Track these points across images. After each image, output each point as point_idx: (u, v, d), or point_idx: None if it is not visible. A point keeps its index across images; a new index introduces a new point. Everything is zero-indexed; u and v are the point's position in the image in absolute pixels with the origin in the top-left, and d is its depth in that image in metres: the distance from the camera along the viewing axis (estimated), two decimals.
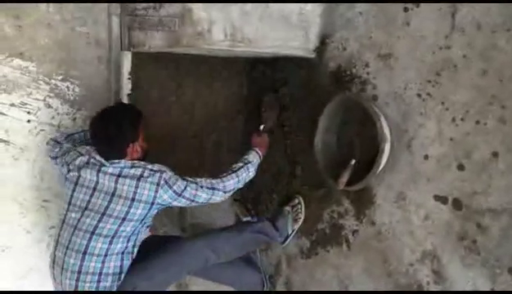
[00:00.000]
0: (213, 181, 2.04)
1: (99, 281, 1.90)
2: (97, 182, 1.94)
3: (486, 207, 1.68)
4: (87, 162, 1.99)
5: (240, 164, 2.14)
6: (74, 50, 2.31)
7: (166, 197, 1.93)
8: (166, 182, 1.92)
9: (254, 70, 2.78)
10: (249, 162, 2.16)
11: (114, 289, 1.94)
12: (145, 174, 1.92)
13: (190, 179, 2.00)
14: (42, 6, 2.19)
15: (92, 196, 1.94)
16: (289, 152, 2.53)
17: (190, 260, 2.12)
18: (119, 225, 1.91)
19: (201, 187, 1.99)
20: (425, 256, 1.88)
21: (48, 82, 2.27)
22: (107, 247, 1.90)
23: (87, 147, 2.09)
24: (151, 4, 2.14)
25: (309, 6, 2.18)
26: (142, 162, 1.99)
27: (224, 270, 2.37)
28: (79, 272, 1.89)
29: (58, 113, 2.32)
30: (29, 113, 2.25)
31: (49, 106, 2.29)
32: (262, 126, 2.45)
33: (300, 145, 2.45)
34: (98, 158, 1.98)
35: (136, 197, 1.90)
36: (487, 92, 1.66)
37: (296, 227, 2.40)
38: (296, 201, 2.43)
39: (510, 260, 1.61)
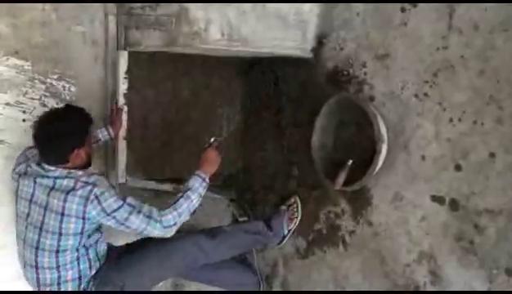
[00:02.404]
0: (154, 211, 1.87)
1: (59, 288, 1.90)
2: (33, 194, 1.87)
3: (483, 207, 1.67)
4: (25, 172, 1.92)
5: (179, 195, 1.95)
6: (70, 49, 2.30)
7: (94, 213, 1.80)
8: (96, 197, 1.79)
9: (252, 70, 2.78)
10: (189, 190, 1.95)
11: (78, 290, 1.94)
12: (77, 187, 1.80)
13: (130, 201, 1.86)
14: (38, 5, 2.18)
15: (29, 209, 1.88)
16: (285, 152, 2.53)
17: (178, 259, 2.10)
18: (58, 240, 1.83)
19: (138, 212, 1.83)
20: (422, 256, 1.88)
21: (44, 82, 2.26)
22: (55, 260, 1.85)
23: (29, 154, 2.02)
24: (148, 3, 2.13)
25: (306, 6, 2.18)
26: (80, 172, 1.88)
27: (219, 272, 2.35)
28: (38, 283, 1.90)
29: None
30: (24, 112, 2.23)
31: (44, 105, 2.28)
32: (212, 139, 2.16)
33: (297, 145, 2.44)
34: (34, 167, 1.89)
35: (66, 212, 1.79)
36: (484, 93, 1.66)
37: (292, 227, 2.40)
38: (292, 200, 2.43)
39: (507, 260, 1.61)
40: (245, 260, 2.57)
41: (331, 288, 2.28)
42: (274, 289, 2.61)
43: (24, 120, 2.24)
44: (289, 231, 2.40)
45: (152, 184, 2.62)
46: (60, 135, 1.84)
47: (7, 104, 2.19)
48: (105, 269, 2.01)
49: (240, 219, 2.74)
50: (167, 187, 2.67)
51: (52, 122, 1.88)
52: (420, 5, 1.85)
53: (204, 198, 2.02)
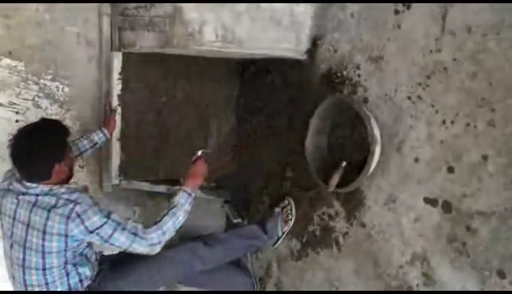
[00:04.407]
0: (139, 228, 1.84)
1: None
2: (15, 211, 1.80)
3: (475, 209, 1.68)
4: (8, 189, 1.86)
5: (165, 212, 1.92)
6: (63, 50, 2.30)
7: (77, 231, 1.75)
8: (78, 216, 1.74)
9: (246, 71, 2.78)
10: (175, 207, 1.92)
11: None
12: (59, 204, 1.75)
13: (115, 217, 1.81)
14: (32, 5, 2.17)
15: (13, 226, 1.82)
16: (280, 153, 2.53)
17: (174, 267, 2.07)
18: (43, 258, 1.78)
19: (122, 229, 1.80)
20: (415, 258, 1.88)
21: (37, 82, 2.25)
22: (43, 278, 1.81)
23: (14, 170, 1.90)
24: (142, 4, 2.13)
25: (300, 7, 2.18)
26: (62, 189, 1.81)
27: (213, 274, 2.33)
28: None
29: (47, 114, 2.30)
30: (17, 113, 2.23)
31: (38, 106, 2.27)
32: (199, 152, 2.13)
33: (291, 147, 2.44)
34: (15, 184, 1.83)
35: (47, 229, 1.74)
36: (476, 95, 1.67)
37: (286, 229, 2.40)
38: (286, 202, 2.43)
39: (499, 262, 1.62)
40: (239, 261, 2.57)
41: (325, 289, 2.28)
42: (268, 290, 2.62)
43: (17, 121, 2.23)
44: (283, 233, 2.40)
45: (146, 186, 2.62)
46: (38, 151, 1.77)
47: (0, 104, 2.18)
48: (98, 280, 1.98)
49: (235, 220, 2.74)
50: (161, 188, 2.67)
51: (28, 139, 1.79)
52: (414, 7, 1.86)
53: (198, 199, 2.01)
